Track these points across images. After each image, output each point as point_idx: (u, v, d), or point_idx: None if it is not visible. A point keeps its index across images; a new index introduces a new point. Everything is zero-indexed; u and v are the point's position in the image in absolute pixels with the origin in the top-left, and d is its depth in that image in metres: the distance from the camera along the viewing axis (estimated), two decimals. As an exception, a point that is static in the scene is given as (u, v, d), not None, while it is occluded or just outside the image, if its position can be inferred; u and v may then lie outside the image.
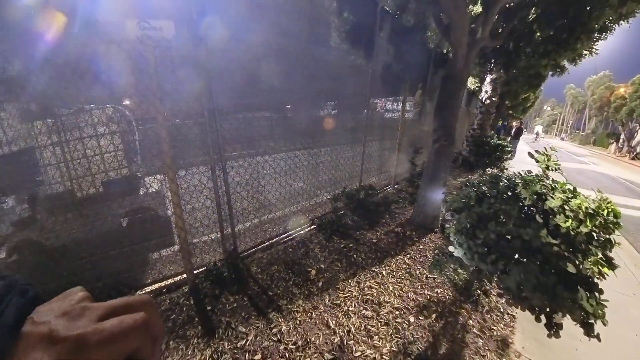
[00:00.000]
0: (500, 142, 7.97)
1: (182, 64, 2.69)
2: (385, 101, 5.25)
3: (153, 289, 2.74)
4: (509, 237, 1.89)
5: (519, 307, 1.78)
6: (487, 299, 2.74)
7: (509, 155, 8.45)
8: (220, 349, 2.11)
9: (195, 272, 2.75)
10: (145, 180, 3.93)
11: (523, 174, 2.26)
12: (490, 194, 2.22)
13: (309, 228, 3.76)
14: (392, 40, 4.55)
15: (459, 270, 3.06)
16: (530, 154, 2.66)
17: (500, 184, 2.28)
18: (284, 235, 3.61)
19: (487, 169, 8.05)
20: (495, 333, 2.39)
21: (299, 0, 3.37)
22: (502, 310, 2.67)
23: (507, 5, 3.81)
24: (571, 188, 1.95)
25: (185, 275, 2.79)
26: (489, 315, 2.58)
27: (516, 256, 1.87)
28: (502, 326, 2.50)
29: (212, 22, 2.51)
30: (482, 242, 2.06)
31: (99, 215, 3.18)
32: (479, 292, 2.78)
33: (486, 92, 9.92)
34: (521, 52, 5.80)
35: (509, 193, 2.12)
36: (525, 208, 1.93)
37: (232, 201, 2.92)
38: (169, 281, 2.80)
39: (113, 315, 0.32)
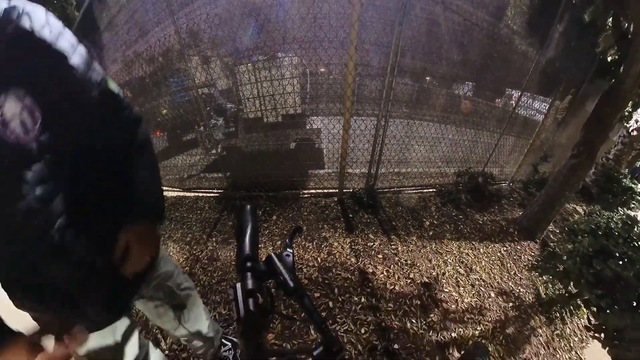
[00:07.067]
0: (632, 185, 7.00)
1: (380, 17, 3.27)
2: (534, 98, 5.19)
3: (313, 192, 4.36)
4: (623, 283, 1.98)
5: (607, 349, 1.97)
6: (561, 326, 2.84)
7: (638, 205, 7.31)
8: (355, 242, 3.47)
9: (344, 190, 4.17)
10: (311, 118, 5.54)
11: None
12: (619, 233, 2.26)
13: (430, 190, 4.78)
14: (564, 35, 4.33)
15: (550, 285, 3.23)
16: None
17: (635, 229, 2.29)
18: (410, 188, 4.77)
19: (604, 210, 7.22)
20: (558, 357, 2.56)
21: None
22: (571, 345, 2.70)
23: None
24: None
25: (334, 190, 4.32)
26: (557, 340, 2.71)
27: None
28: (567, 358, 2.59)
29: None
30: (594, 273, 2.15)
31: (278, 137, 4.90)
32: (557, 314, 2.90)
33: (636, 121, 8.19)
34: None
35: None
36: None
37: (383, 149, 4.05)
38: (325, 190, 4.40)
39: None
